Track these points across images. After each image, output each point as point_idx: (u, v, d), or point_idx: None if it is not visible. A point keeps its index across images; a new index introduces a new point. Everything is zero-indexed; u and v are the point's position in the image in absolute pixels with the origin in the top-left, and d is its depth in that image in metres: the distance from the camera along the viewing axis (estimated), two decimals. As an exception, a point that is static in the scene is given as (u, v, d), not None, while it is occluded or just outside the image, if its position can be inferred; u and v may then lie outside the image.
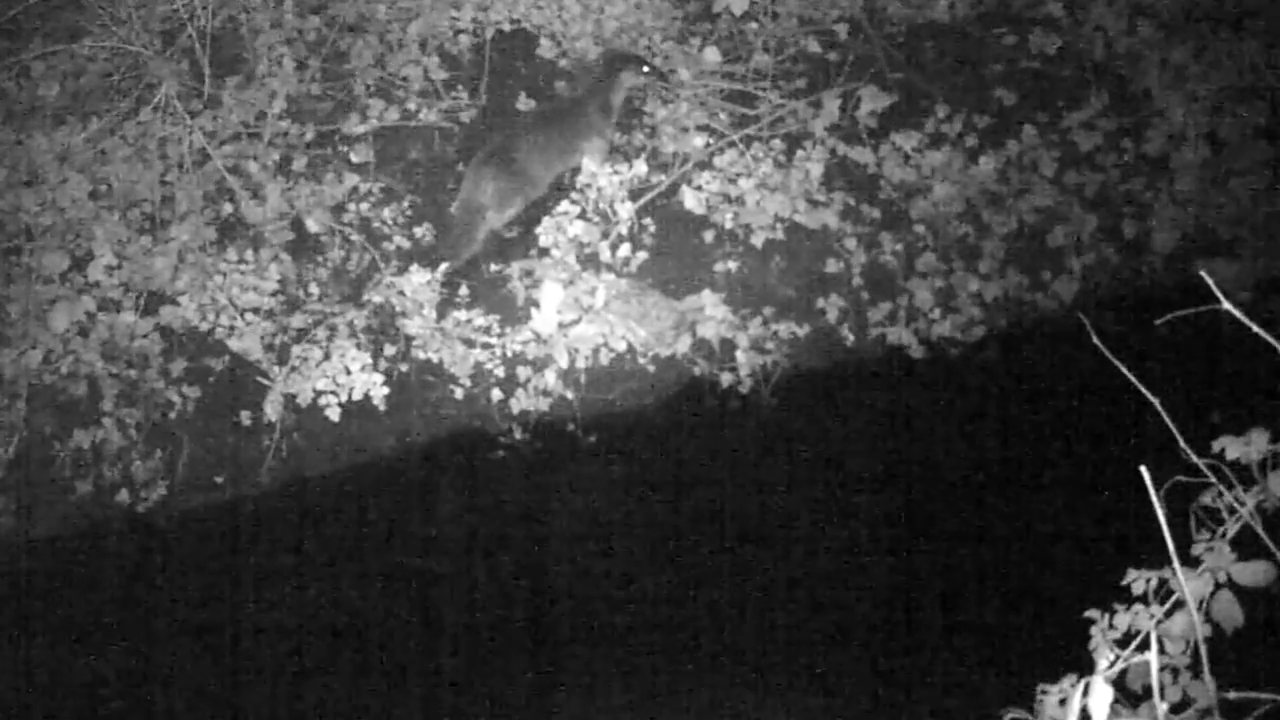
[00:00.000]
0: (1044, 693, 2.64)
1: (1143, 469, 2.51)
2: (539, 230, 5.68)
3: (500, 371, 5.39)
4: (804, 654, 4.60)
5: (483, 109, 6.09)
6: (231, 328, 5.41)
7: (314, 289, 5.60)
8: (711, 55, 6.12)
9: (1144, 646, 2.60)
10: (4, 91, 5.98)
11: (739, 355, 5.38)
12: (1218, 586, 2.61)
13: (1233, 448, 2.71)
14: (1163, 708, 2.53)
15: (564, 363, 5.37)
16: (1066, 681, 2.61)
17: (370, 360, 5.38)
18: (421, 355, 5.42)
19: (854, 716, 4.46)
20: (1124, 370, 2.83)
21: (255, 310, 5.46)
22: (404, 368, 5.42)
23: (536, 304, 5.48)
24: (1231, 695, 2.53)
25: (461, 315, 5.50)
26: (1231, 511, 2.69)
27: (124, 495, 5.16)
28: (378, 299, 5.52)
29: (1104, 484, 4.75)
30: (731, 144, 5.86)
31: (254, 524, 5.13)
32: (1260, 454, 2.68)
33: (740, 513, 5.01)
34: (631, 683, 4.56)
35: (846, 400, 5.33)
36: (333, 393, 5.31)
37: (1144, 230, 5.60)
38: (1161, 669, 2.57)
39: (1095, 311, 4.85)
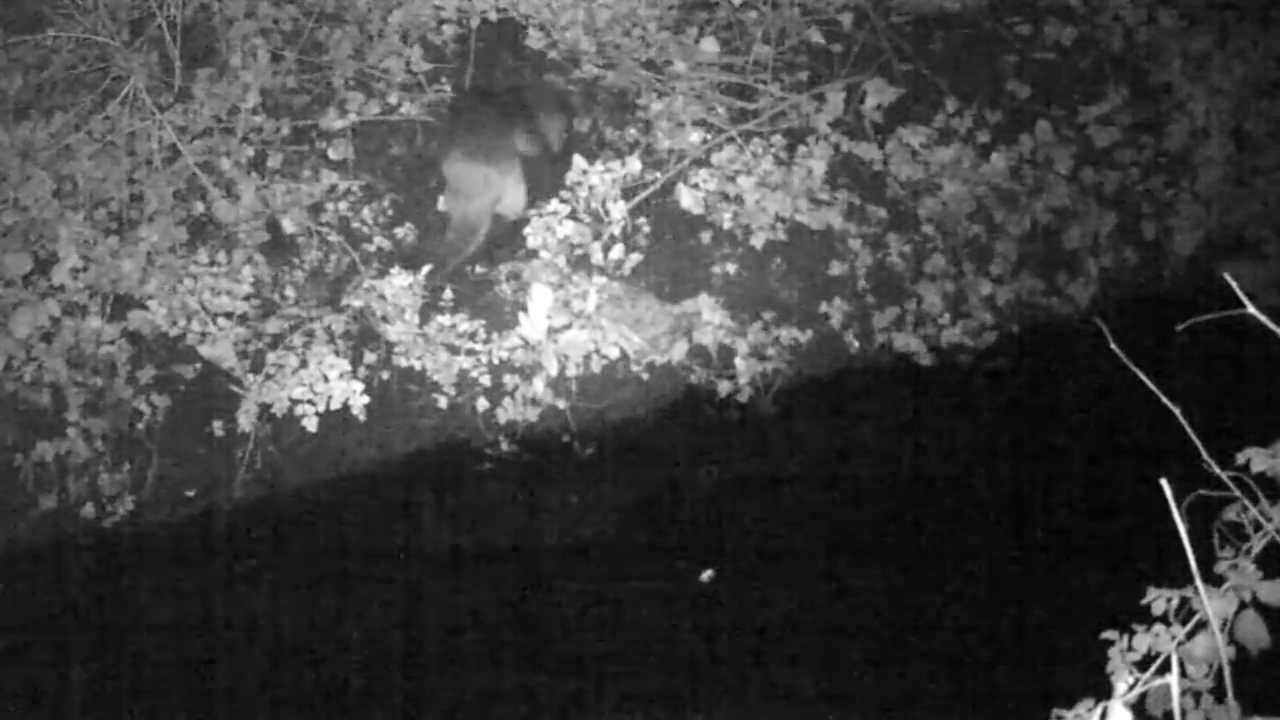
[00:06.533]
0: (1060, 718, 2.64)
1: (1163, 482, 2.51)
2: (527, 231, 5.67)
3: (486, 379, 5.39)
4: (806, 673, 4.60)
5: (468, 103, 6.10)
6: (203, 333, 5.41)
7: (290, 292, 5.59)
8: (709, 46, 6.12)
9: (1165, 669, 2.60)
10: (-37, 85, 5.98)
11: (738, 362, 5.38)
12: (1242, 606, 2.61)
13: (1258, 460, 2.72)
14: (1184, 733, 2.54)
15: (553, 370, 5.37)
16: (1083, 706, 2.61)
17: (349, 367, 5.37)
18: (403, 362, 5.42)
19: (859, 742, 4.47)
20: (1143, 378, 2.83)
21: (228, 315, 5.45)
22: (385, 375, 5.41)
23: (524, 308, 5.48)
24: (1257, 720, 2.53)
25: (445, 320, 5.50)
26: (1257, 527, 2.69)
27: (90, 509, 5.15)
28: (357, 303, 5.52)
29: (1122, 498, 4.76)
30: (730, 140, 5.86)
31: (227, 539, 5.13)
32: (1287, 466, 2.69)
33: (739, 527, 5.01)
34: (624, 706, 4.56)
35: (851, 409, 5.33)
36: (310, 402, 5.31)
37: (1164, 230, 5.61)
38: (1183, 693, 2.57)
39: (1113, 316, 4.83)
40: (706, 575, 4.87)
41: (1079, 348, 5.24)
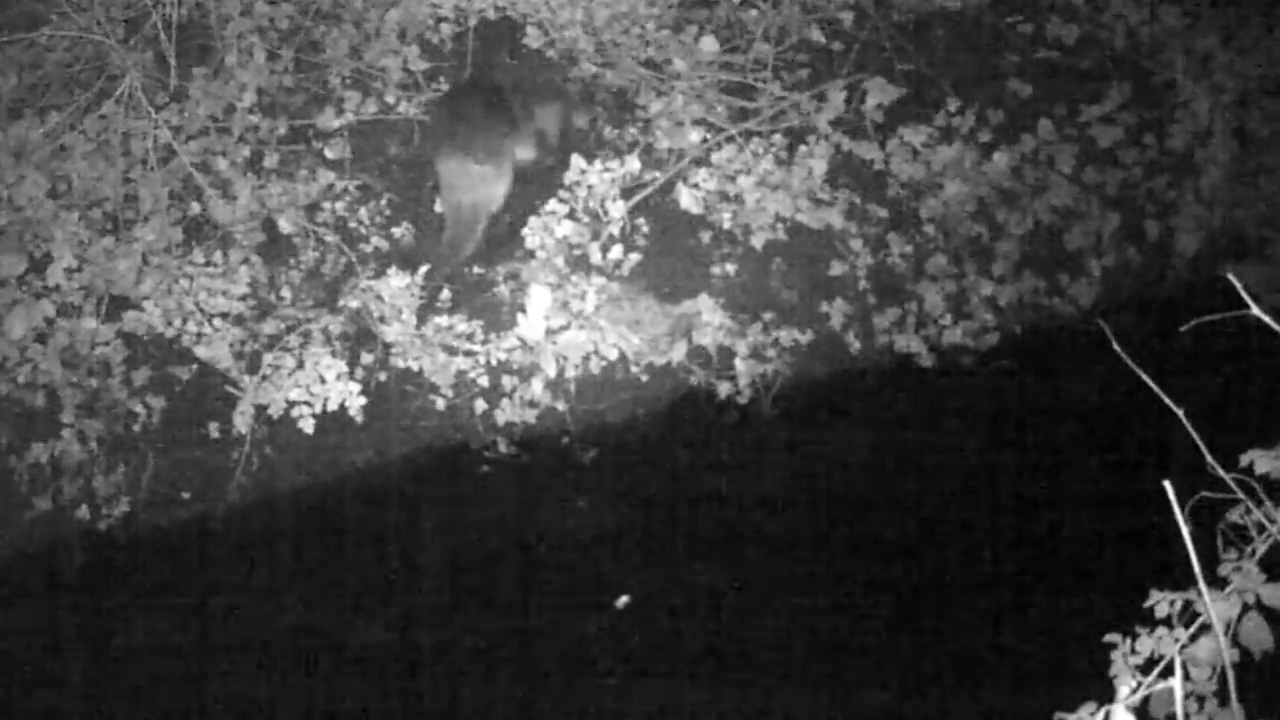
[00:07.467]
0: (1062, 721, 2.64)
1: (1166, 484, 2.51)
2: (525, 231, 5.67)
3: (484, 381, 5.38)
4: (808, 679, 4.60)
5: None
6: (199, 334, 5.40)
7: (286, 293, 5.59)
8: (709, 44, 6.11)
9: (1168, 672, 2.60)
10: (-43, 84, 5.98)
11: (738, 363, 5.38)
12: (1246, 609, 2.61)
13: (1262, 461, 2.72)
14: (1188, 737, 2.54)
15: (552, 371, 5.36)
16: (1085, 710, 2.62)
17: (346, 369, 5.36)
18: (400, 363, 5.42)
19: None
20: (1147, 379, 2.83)
21: (224, 315, 5.45)
22: (382, 377, 5.41)
23: (523, 309, 5.48)
24: (1261, 724, 2.53)
25: (443, 321, 5.50)
26: (1261, 529, 2.70)
27: (84, 511, 5.15)
28: (354, 303, 5.52)
29: (1125, 500, 4.75)
30: (730, 139, 5.85)
31: (222, 541, 5.12)
32: (1291, 468, 2.69)
33: (739, 531, 5.00)
34: (623, 711, 4.56)
35: (852, 411, 5.33)
36: (306, 403, 5.30)
37: (1168, 231, 5.61)
38: (1186, 696, 2.57)
39: (1116, 317, 4.82)
40: (621, 601, 4.85)
41: (1081, 349, 5.23)
